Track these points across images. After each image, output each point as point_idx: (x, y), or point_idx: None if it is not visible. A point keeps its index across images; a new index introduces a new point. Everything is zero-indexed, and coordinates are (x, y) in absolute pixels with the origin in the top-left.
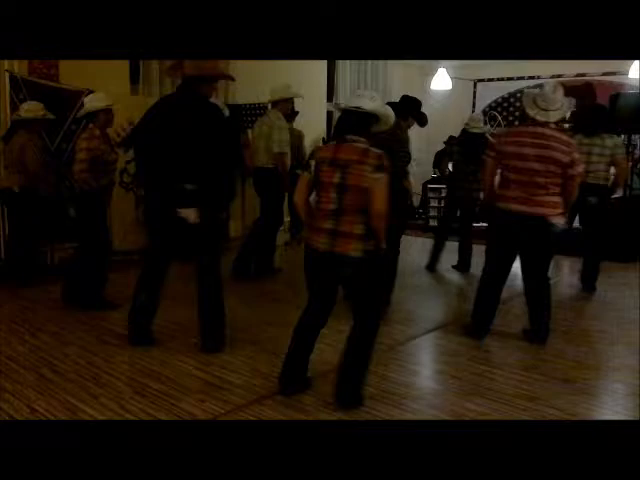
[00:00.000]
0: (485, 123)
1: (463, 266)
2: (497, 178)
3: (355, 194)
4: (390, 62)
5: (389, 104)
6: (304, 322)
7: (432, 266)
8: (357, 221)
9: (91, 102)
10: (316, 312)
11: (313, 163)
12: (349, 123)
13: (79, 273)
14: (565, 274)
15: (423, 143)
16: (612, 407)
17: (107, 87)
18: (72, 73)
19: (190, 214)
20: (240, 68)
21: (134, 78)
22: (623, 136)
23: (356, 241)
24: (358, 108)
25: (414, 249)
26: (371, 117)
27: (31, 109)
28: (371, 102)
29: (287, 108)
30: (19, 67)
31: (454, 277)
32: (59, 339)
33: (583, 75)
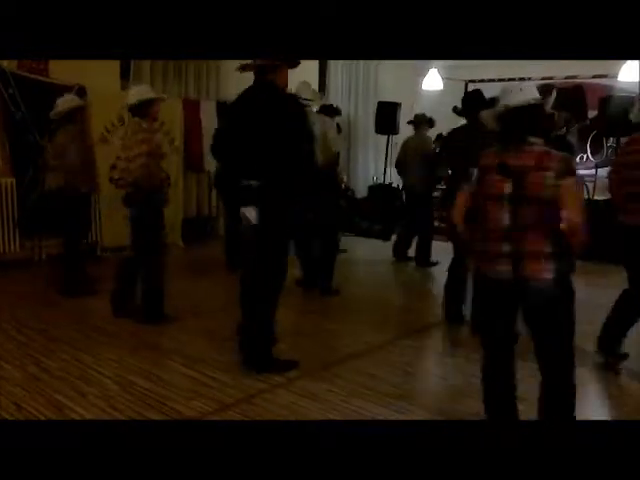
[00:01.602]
0: None
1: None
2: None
3: (536, 206)
4: (382, 62)
5: (384, 103)
6: (490, 376)
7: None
8: (544, 238)
9: (139, 95)
10: (500, 360)
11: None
12: (520, 122)
13: None
14: None
15: None
16: (604, 409)
17: (97, 83)
18: (61, 68)
19: (250, 213)
20: (232, 64)
21: (125, 74)
22: (612, 139)
23: (546, 262)
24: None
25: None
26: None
27: (67, 101)
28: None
29: None
30: (8, 61)
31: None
32: (46, 336)
33: (573, 77)
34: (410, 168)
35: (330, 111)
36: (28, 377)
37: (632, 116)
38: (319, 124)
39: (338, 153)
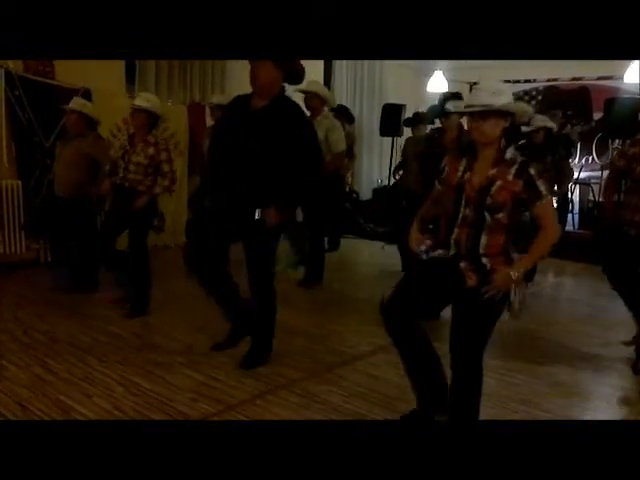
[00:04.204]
0: None
1: None
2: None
3: None
4: (386, 63)
5: (389, 105)
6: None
7: None
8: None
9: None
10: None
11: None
12: None
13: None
14: (551, 277)
15: None
16: (603, 410)
17: (103, 86)
18: (67, 71)
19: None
20: (237, 68)
21: (130, 78)
22: (618, 141)
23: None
24: (486, 107)
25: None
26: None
27: (88, 105)
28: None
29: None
30: (15, 63)
31: None
32: (51, 337)
33: (579, 79)
34: (407, 167)
35: (342, 114)
36: (33, 378)
37: None
38: (323, 126)
39: (343, 153)
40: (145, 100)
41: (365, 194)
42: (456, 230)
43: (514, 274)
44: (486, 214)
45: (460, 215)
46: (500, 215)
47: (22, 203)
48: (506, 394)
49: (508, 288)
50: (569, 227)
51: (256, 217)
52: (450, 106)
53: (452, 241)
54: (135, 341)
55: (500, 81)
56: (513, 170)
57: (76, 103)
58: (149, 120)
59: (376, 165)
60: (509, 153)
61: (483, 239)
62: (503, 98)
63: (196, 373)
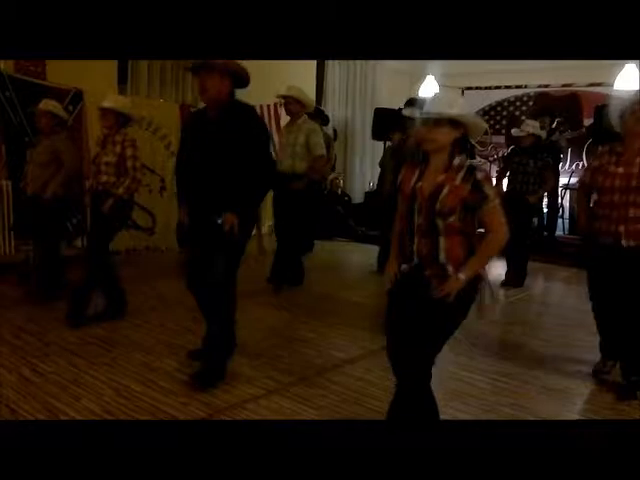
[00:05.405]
0: None
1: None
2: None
3: None
4: (379, 68)
5: (381, 110)
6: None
7: None
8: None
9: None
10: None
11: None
12: None
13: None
14: (541, 282)
15: None
16: (591, 413)
17: (94, 87)
18: (59, 72)
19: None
20: None
21: (122, 78)
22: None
23: None
24: (439, 114)
25: None
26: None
27: (58, 106)
28: (453, 108)
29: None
30: (5, 64)
31: None
32: (41, 339)
33: (569, 85)
34: (386, 172)
35: (317, 116)
36: (22, 381)
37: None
38: (304, 130)
39: (323, 156)
40: (112, 101)
41: (357, 197)
42: (416, 240)
43: (461, 276)
44: (438, 220)
45: (415, 224)
46: (451, 219)
47: (12, 203)
48: (496, 399)
49: (454, 291)
50: (559, 232)
51: (218, 222)
52: (407, 112)
53: (414, 251)
54: (125, 343)
55: (457, 92)
56: (460, 175)
57: (47, 104)
58: (118, 121)
59: (368, 169)
60: (457, 160)
61: (442, 247)
62: (457, 109)
63: (186, 376)
